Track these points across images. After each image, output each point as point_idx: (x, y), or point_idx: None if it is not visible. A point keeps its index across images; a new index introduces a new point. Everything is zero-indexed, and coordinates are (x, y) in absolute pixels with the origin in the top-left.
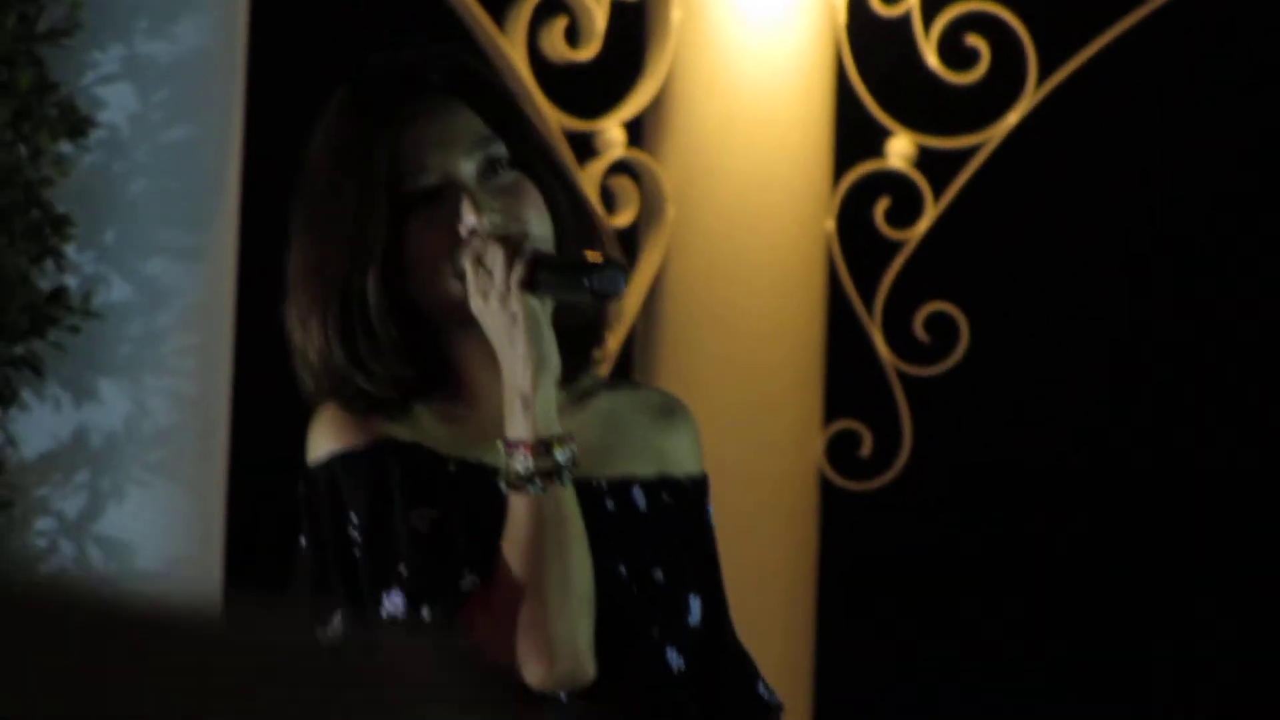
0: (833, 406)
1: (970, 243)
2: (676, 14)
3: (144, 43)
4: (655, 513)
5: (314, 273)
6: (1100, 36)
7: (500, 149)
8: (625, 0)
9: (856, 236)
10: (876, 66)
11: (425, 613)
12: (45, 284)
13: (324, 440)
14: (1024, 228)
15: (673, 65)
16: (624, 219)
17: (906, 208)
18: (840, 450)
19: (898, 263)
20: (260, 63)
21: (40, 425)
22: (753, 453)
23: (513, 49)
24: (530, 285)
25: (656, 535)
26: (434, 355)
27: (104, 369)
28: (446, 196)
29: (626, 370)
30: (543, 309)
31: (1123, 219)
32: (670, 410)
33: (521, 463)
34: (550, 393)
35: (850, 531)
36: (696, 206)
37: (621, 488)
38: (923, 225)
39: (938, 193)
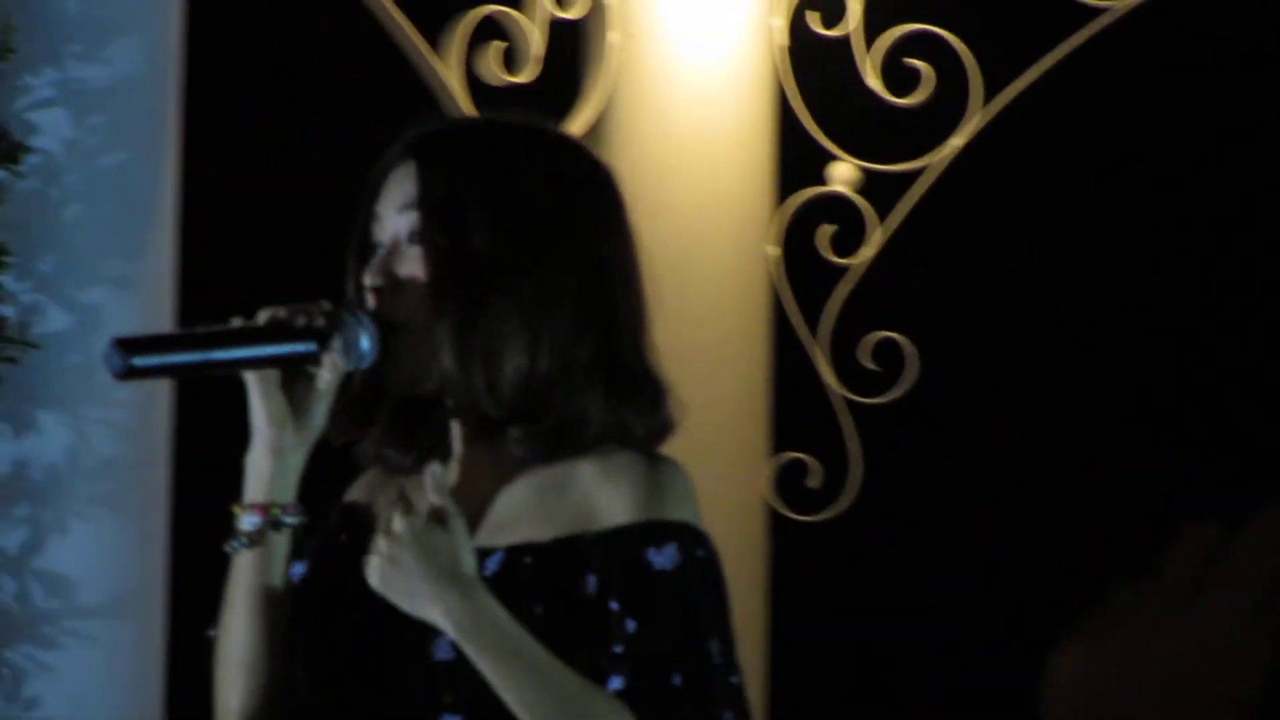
0: (779, 437)
1: (917, 268)
2: (614, 36)
3: (77, 67)
4: (508, 580)
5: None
6: (1044, 57)
7: (409, 221)
8: (562, 20)
9: (801, 263)
10: (818, 89)
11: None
12: None
13: None
14: (972, 252)
15: (611, 89)
16: None
17: (851, 233)
18: (788, 482)
19: (843, 289)
20: (195, 86)
21: None
22: (698, 485)
23: (449, 72)
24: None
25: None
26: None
27: (43, 400)
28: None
29: None
30: (261, 380)
31: (1070, 241)
32: (610, 469)
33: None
34: (256, 461)
35: (800, 564)
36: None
37: (481, 555)
38: (868, 251)
39: (883, 217)
